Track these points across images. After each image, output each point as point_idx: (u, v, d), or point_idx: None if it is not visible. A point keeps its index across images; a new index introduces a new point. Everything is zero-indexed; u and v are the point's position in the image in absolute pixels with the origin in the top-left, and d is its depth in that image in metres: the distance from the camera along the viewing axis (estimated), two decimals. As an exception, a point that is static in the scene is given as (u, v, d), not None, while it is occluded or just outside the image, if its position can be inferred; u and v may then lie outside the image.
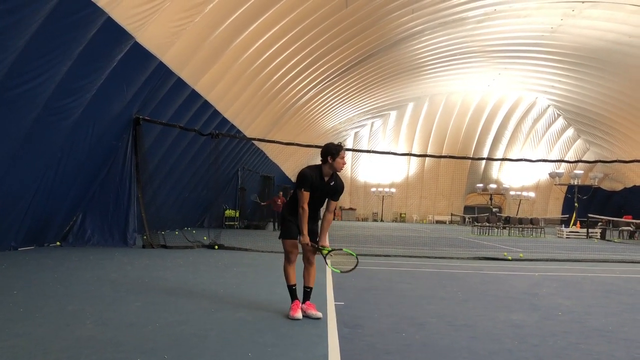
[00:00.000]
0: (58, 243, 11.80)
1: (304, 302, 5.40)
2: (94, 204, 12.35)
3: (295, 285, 5.44)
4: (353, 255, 5.35)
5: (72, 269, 8.18)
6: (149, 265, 9.07)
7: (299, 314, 5.25)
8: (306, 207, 5.27)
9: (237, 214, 24.74)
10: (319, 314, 5.29)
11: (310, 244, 5.30)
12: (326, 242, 5.42)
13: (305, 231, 5.28)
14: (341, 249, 5.46)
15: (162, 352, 3.94)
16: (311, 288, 5.46)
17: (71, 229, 12.10)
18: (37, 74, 8.28)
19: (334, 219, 5.84)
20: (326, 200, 5.49)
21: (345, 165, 5.42)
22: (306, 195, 5.25)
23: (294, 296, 5.41)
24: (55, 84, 8.78)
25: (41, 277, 7.22)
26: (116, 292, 6.37)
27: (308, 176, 5.25)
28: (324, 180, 5.34)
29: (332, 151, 5.25)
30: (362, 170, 49.56)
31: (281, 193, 25.41)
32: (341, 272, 5.39)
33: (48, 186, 10.30)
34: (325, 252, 5.33)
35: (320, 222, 5.51)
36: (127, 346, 4.06)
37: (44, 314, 5.05)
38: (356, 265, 5.31)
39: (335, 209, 5.61)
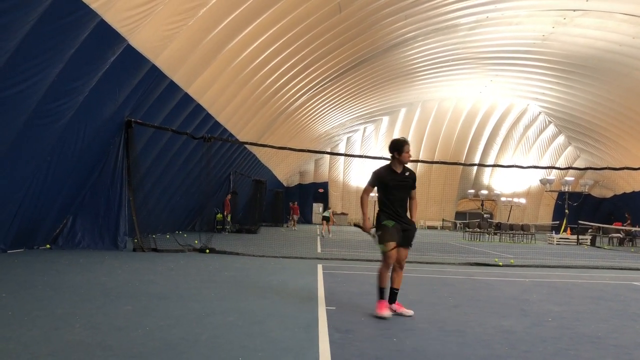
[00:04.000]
0: (48, 246, 11.72)
1: (392, 303, 5.86)
2: (85, 206, 12.28)
3: (384, 288, 5.87)
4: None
5: (61, 272, 8.12)
6: (139, 269, 9.02)
7: (386, 312, 5.69)
8: (365, 196, 6.11)
9: (229, 218, 24.65)
10: (411, 312, 5.76)
11: (370, 233, 6.03)
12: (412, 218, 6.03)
13: (366, 217, 6.09)
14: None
15: (151, 357, 3.92)
16: (397, 289, 5.94)
17: (61, 231, 12.02)
18: (28, 76, 8.23)
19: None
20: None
21: (410, 157, 5.97)
22: (368, 189, 6.08)
23: (381, 296, 5.85)
24: (46, 86, 8.74)
25: (30, 280, 7.16)
26: (106, 295, 6.33)
27: (376, 173, 6.03)
28: (396, 173, 5.93)
29: (398, 147, 5.88)
30: (354, 175, 49.59)
31: (229, 196, 25.01)
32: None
33: (38, 189, 10.23)
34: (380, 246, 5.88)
35: (407, 212, 6.05)
36: (117, 350, 4.03)
37: (33, 317, 5.01)
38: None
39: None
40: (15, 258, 9.55)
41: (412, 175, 6.02)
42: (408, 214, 6.04)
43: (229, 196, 24.73)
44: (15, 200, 9.75)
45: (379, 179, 5.94)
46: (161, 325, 4.89)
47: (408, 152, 5.85)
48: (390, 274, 5.91)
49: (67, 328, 4.65)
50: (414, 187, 6.04)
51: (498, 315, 6.15)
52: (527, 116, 45.60)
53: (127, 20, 9.60)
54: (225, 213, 24.44)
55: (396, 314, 5.78)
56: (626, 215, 32.88)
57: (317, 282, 8.08)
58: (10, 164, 9.10)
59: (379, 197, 6.02)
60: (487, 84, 37.61)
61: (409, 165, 6.07)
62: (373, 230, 6.00)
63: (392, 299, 5.90)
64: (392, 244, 5.76)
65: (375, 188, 6.06)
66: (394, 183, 5.88)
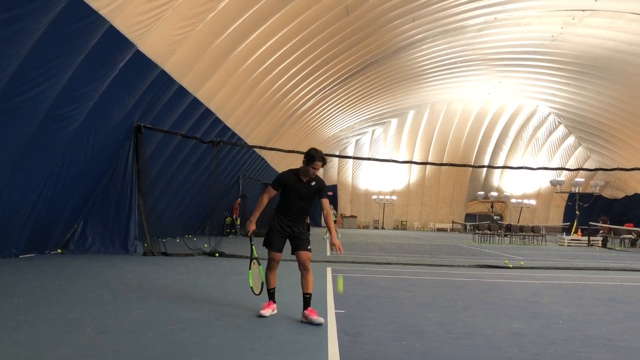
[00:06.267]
0: (59, 250, 11.81)
1: (305, 309, 5.51)
2: (95, 211, 12.37)
3: (274, 288, 5.82)
4: (261, 283, 5.89)
5: (72, 277, 8.18)
6: (150, 273, 9.07)
7: (266, 312, 5.64)
8: (265, 200, 5.78)
9: (238, 221, 24.69)
10: (321, 320, 5.37)
11: (250, 234, 5.85)
12: (335, 238, 5.57)
13: (254, 219, 5.82)
14: (259, 265, 5.98)
15: (162, 360, 3.95)
16: (309, 294, 5.60)
17: (72, 236, 12.11)
18: (39, 81, 8.32)
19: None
20: (320, 203, 5.75)
21: (315, 173, 5.63)
22: (271, 191, 5.73)
23: (270, 297, 5.81)
24: (57, 91, 8.82)
25: (42, 285, 7.23)
26: (116, 299, 6.37)
27: (282, 178, 5.71)
28: (302, 181, 5.63)
29: (308, 158, 5.53)
30: (363, 178, 49.60)
31: (238, 200, 25.06)
32: (250, 285, 6.00)
33: (49, 194, 10.32)
34: (254, 254, 5.91)
35: (304, 224, 5.82)
36: (127, 354, 4.06)
37: (45, 321, 5.05)
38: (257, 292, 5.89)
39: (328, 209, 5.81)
40: (27, 263, 9.63)
41: (319, 184, 5.68)
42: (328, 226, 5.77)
43: (238, 200, 24.79)
44: (27, 205, 9.84)
45: (282, 182, 5.65)
46: (171, 329, 4.92)
47: (316, 168, 5.50)
48: (273, 276, 5.75)
49: (78, 332, 4.68)
50: (322, 197, 5.68)
51: (508, 317, 6.12)
52: (537, 117, 45.41)
53: (136, 25, 9.67)
54: (234, 216, 24.49)
55: (306, 321, 5.40)
56: (602, 217, 32.59)
57: (326, 286, 8.08)
58: (22, 169, 9.19)
59: (279, 201, 5.78)
60: (495, 86, 37.49)
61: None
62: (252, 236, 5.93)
63: (305, 305, 5.54)
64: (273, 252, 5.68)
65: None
66: (296, 191, 5.60)
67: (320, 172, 6.02)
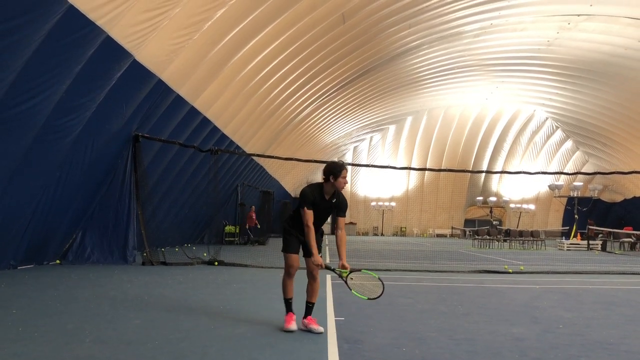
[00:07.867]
0: (58, 261, 11.77)
1: (305, 317, 5.46)
2: (94, 221, 12.33)
3: (291, 298, 5.51)
4: (375, 277, 5.23)
5: (71, 287, 8.16)
6: (149, 283, 9.04)
7: (293, 326, 5.34)
8: (311, 225, 5.31)
9: (237, 230, 24.70)
10: (321, 329, 5.33)
11: (324, 266, 5.26)
12: (345, 262, 5.31)
13: (316, 250, 5.28)
14: (360, 270, 5.35)
15: (161, 370, 3.93)
16: (313, 303, 5.52)
17: (71, 247, 12.07)
18: (36, 92, 8.32)
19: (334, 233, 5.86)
20: (336, 219, 5.51)
21: (347, 184, 5.41)
22: (309, 213, 5.30)
23: (289, 308, 5.49)
24: (54, 102, 8.82)
25: (40, 296, 7.20)
26: (115, 309, 6.35)
27: (309, 194, 5.36)
28: (325, 198, 5.42)
29: (334, 171, 5.28)
30: (362, 185, 49.61)
31: (253, 207, 25.19)
32: (368, 298, 5.24)
33: (47, 204, 10.30)
34: (345, 274, 5.22)
35: (322, 237, 5.64)
36: (126, 364, 4.04)
37: (43, 332, 5.03)
38: (383, 290, 5.17)
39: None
40: (25, 274, 9.60)
41: (340, 201, 5.45)
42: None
43: (253, 207, 24.93)
44: (25, 216, 9.82)
45: (312, 201, 5.34)
46: (170, 339, 4.90)
47: (345, 177, 5.28)
48: (291, 284, 5.51)
49: (77, 343, 4.66)
50: (341, 215, 5.47)
51: (508, 322, 6.11)
52: (534, 122, 45.54)
53: (133, 35, 9.69)
54: (247, 226, 24.57)
55: (305, 329, 5.34)
56: (589, 221, 32.55)
57: (325, 293, 8.06)
58: (20, 180, 9.17)
59: (292, 214, 5.56)
60: (493, 91, 37.62)
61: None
62: (329, 264, 5.45)
63: (306, 313, 5.45)
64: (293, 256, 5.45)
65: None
66: (322, 207, 5.40)
67: (318, 179, 5.90)
